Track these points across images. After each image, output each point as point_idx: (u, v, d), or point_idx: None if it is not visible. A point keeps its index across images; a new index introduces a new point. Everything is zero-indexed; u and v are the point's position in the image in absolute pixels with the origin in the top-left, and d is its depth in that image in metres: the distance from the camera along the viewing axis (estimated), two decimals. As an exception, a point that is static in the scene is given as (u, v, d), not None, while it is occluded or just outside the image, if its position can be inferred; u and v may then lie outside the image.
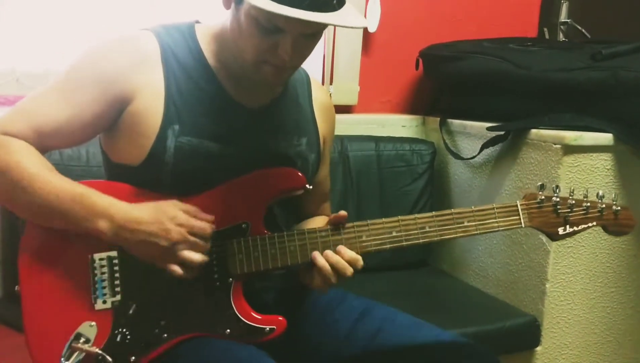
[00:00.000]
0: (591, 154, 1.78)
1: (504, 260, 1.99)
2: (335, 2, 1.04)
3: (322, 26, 1.09)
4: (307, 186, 1.19)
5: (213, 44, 1.19)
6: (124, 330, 1.14)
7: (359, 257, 1.14)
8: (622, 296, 1.94)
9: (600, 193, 1.23)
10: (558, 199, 1.19)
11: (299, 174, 1.19)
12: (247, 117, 1.20)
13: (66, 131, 1.14)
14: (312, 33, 1.09)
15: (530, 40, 2.29)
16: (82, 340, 1.13)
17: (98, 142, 1.27)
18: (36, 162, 1.11)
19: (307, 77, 1.34)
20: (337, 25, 1.06)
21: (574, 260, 1.85)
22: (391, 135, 2.29)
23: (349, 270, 1.12)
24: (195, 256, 1.09)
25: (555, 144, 1.77)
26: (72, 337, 1.13)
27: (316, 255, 1.13)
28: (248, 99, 1.21)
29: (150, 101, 1.13)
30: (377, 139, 2.21)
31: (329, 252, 1.13)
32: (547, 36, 2.52)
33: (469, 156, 2.10)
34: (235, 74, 1.19)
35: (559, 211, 1.20)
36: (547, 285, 1.83)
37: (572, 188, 1.22)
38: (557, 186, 1.21)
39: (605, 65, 1.80)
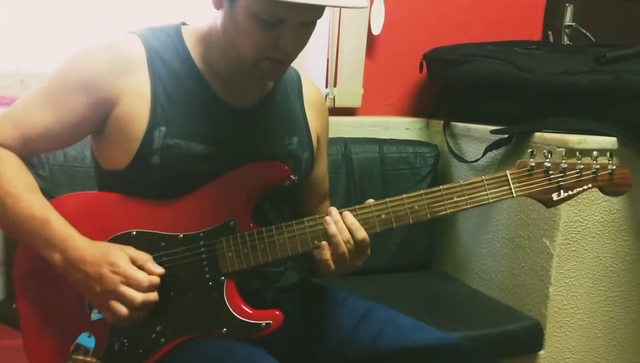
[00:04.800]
0: (595, 157, 1.78)
1: (507, 263, 1.98)
2: None
3: (322, 11, 1.10)
4: (292, 177, 1.19)
5: (200, 45, 1.19)
6: (121, 338, 1.14)
7: (362, 231, 1.11)
8: (625, 301, 1.94)
9: (595, 153, 1.18)
10: (550, 164, 1.15)
11: (284, 166, 1.18)
12: (236, 117, 1.20)
13: (51, 135, 1.15)
14: (311, 21, 1.10)
15: (535, 44, 2.29)
16: (82, 350, 1.14)
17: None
18: (17, 179, 1.13)
19: (298, 75, 1.34)
20: (341, 6, 1.07)
21: (578, 264, 1.85)
22: (395, 138, 2.29)
23: (342, 247, 1.10)
24: (120, 309, 1.06)
25: (558, 148, 1.77)
26: (72, 349, 1.14)
27: (327, 219, 1.12)
28: (237, 99, 1.21)
29: (136, 105, 1.13)
30: (381, 142, 2.22)
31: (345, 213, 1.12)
32: (551, 39, 2.51)
33: (472, 159, 2.09)
34: (223, 74, 1.19)
35: (551, 176, 1.15)
36: (550, 289, 1.83)
37: (564, 150, 1.18)
38: (549, 152, 1.16)
39: (609, 68, 1.80)
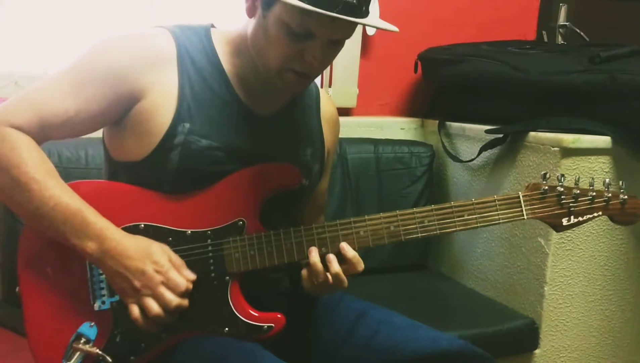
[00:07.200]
0: (589, 157, 1.79)
1: (502, 263, 1.99)
2: (364, 9, 1.06)
3: (351, 31, 1.10)
4: (303, 181, 1.19)
5: (229, 50, 1.19)
6: (124, 330, 1.14)
7: (359, 260, 1.13)
8: (620, 299, 1.95)
9: (607, 181, 1.19)
10: (562, 189, 1.16)
11: (295, 169, 1.18)
12: (256, 124, 1.20)
13: (72, 123, 1.13)
14: (339, 40, 1.10)
15: (529, 43, 2.29)
16: (83, 340, 1.13)
17: (99, 144, 1.27)
18: (39, 164, 1.09)
19: (317, 89, 1.35)
20: (375, 27, 1.09)
21: (573, 263, 1.85)
22: (390, 138, 2.29)
23: (344, 284, 1.12)
24: (154, 308, 1.06)
25: (553, 147, 1.78)
26: (72, 338, 1.14)
27: (312, 250, 1.13)
28: (258, 106, 1.21)
29: (162, 100, 1.13)
30: (376, 142, 2.22)
31: (331, 256, 1.12)
32: (545, 39, 2.52)
33: (467, 159, 2.10)
34: (247, 80, 1.19)
35: (563, 201, 1.16)
36: (545, 288, 1.84)
37: (578, 176, 1.19)
38: (561, 175, 1.17)
39: (603, 68, 1.81)
